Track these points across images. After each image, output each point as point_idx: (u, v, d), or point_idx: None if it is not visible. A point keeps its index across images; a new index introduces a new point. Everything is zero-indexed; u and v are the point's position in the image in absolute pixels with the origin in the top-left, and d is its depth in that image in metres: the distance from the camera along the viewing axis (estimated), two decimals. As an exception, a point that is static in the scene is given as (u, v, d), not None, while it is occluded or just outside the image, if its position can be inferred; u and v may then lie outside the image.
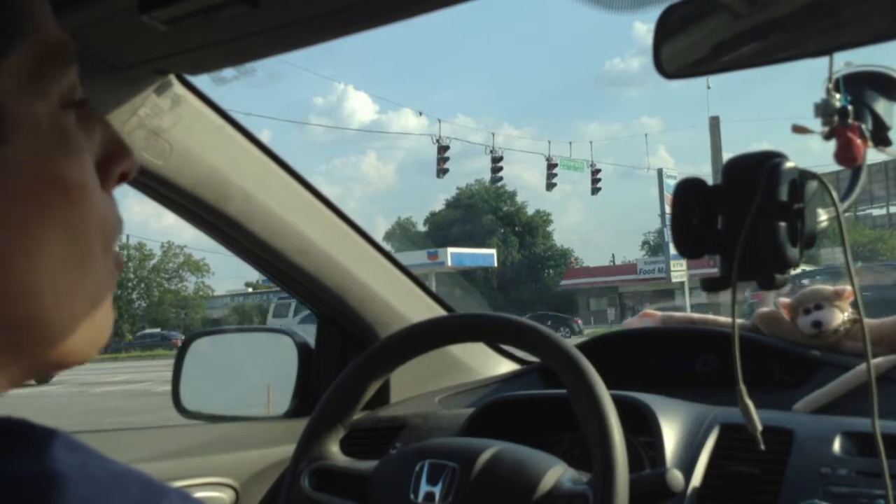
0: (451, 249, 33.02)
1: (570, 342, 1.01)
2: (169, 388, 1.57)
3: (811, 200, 0.66)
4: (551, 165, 29.44)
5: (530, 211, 51.55)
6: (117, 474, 0.39)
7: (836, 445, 1.03)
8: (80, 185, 0.46)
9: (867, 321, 0.89)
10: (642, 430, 1.10)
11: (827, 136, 0.66)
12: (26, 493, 0.36)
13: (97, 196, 0.48)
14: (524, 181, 73.35)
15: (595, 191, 30.84)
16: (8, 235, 0.43)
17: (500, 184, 39.82)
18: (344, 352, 1.56)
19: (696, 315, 1.60)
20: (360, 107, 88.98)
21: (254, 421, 1.59)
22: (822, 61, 0.64)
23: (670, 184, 25.25)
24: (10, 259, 0.43)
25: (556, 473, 0.91)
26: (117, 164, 0.50)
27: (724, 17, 0.71)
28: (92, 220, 0.47)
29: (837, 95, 0.66)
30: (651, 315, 1.65)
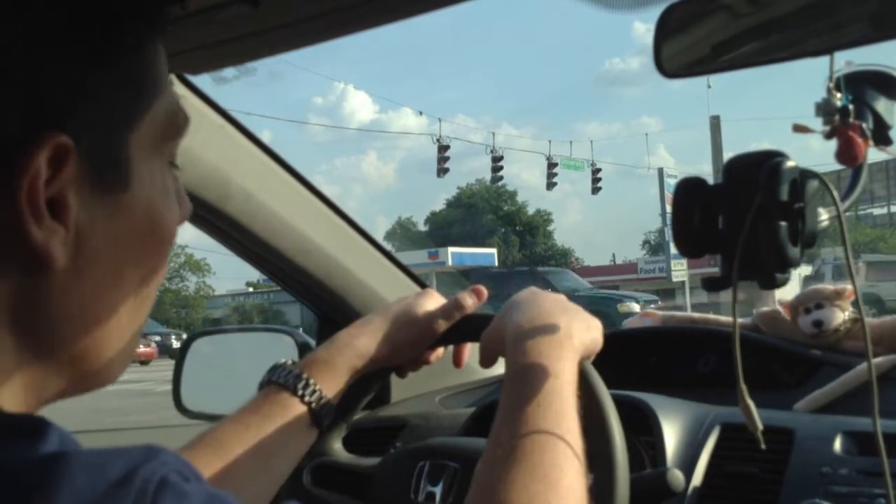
0: (451, 249, 32.97)
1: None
2: (169, 388, 1.57)
3: (812, 200, 0.65)
4: (552, 165, 29.45)
5: (531, 210, 51.53)
6: (110, 449, 0.41)
7: (837, 445, 1.03)
8: (171, 236, 0.52)
9: (868, 320, 0.89)
10: (643, 429, 1.10)
11: (828, 136, 0.66)
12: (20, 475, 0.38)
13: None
14: (524, 181, 73.46)
15: (595, 190, 30.86)
16: (105, 270, 0.47)
17: (500, 183, 39.83)
18: (344, 351, 1.56)
19: (696, 314, 1.60)
20: (360, 106, 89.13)
21: (254, 421, 1.59)
22: (823, 61, 0.64)
23: (671, 183, 25.25)
24: (98, 290, 0.47)
25: (557, 473, 0.91)
26: (182, 216, 0.55)
27: (725, 16, 0.71)
28: (164, 264, 0.53)
29: (838, 95, 0.66)
30: (651, 314, 1.65)
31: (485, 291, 0.93)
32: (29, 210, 0.42)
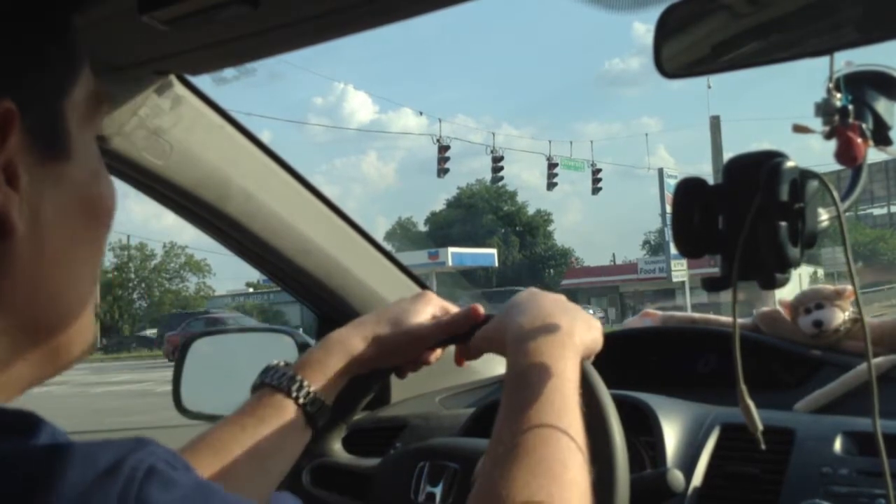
0: (451, 249, 32.99)
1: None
2: (169, 388, 1.57)
3: (812, 200, 0.65)
4: (552, 165, 29.45)
5: (531, 211, 51.57)
6: (100, 441, 0.42)
7: (837, 445, 1.03)
8: (112, 209, 0.54)
9: (868, 320, 0.89)
10: (643, 429, 1.10)
11: (827, 136, 0.66)
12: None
13: None
14: (525, 181, 73.55)
15: (596, 190, 30.85)
16: (59, 242, 0.49)
17: (500, 184, 39.80)
18: (344, 352, 1.55)
19: (696, 315, 1.60)
20: (360, 107, 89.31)
21: (254, 421, 1.59)
22: (823, 61, 0.64)
23: (671, 183, 25.26)
24: (55, 264, 0.49)
25: (557, 473, 0.91)
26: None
27: (725, 16, 0.71)
28: (106, 240, 0.54)
29: (838, 95, 0.66)
30: (652, 315, 1.65)
31: (481, 310, 0.92)
32: None
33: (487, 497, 0.63)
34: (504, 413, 0.71)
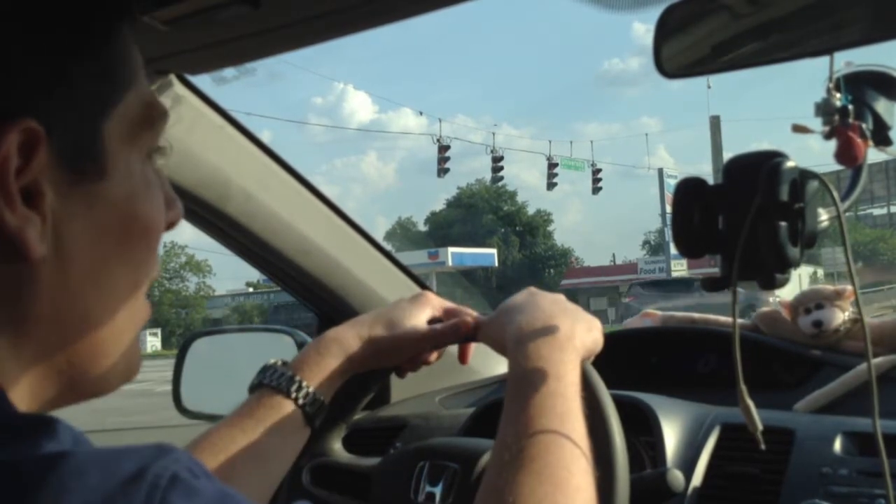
0: (451, 249, 32.97)
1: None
2: (169, 388, 1.57)
3: (812, 200, 0.65)
4: (552, 165, 29.46)
5: (531, 210, 51.53)
6: (122, 447, 0.41)
7: (837, 445, 1.03)
8: (155, 229, 0.52)
9: (868, 321, 0.89)
10: (643, 429, 1.10)
11: (827, 136, 0.66)
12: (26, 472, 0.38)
13: (159, 242, 0.53)
14: (524, 181, 73.55)
15: (596, 190, 30.86)
16: (89, 263, 0.47)
17: (500, 183, 39.79)
18: (344, 352, 1.55)
19: (696, 314, 1.60)
20: (360, 106, 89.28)
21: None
22: (823, 61, 0.64)
23: (671, 183, 25.26)
24: (83, 285, 0.47)
25: (557, 473, 0.91)
26: (169, 211, 0.55)
27: (725, 16, 0.71)
28: (153, 261, 0.53)
29: (838, 95, 0.66)
30: (652, 315, 1.65)
31: (471, 321, 0.90)
32: (0, 195, 0.42)
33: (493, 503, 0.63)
34: (507, 418, 0.71)
